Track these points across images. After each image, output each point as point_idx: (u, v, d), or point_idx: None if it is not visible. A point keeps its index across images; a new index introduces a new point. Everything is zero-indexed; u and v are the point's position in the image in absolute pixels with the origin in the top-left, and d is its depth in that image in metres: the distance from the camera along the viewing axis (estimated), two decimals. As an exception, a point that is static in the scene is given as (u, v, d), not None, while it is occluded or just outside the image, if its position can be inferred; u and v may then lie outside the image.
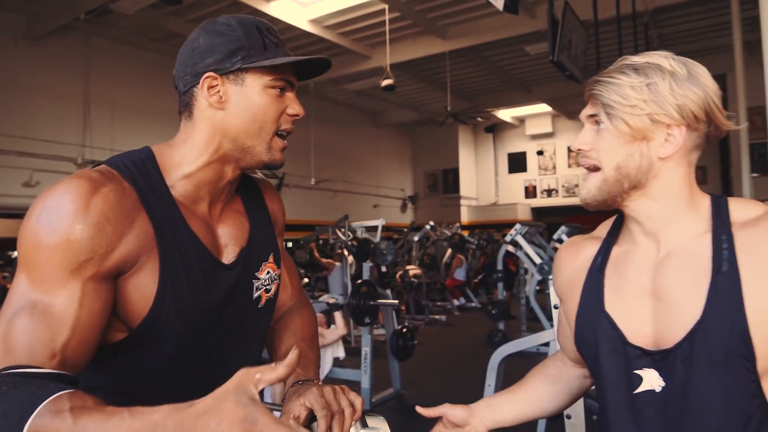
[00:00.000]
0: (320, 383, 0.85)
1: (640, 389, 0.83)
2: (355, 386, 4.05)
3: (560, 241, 6.10)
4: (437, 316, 9.11)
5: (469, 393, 3.25)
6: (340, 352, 4.52)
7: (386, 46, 9.42)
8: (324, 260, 7.87)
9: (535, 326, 6.43)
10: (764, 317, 0.73)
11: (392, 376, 4.93)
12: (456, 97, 13.22)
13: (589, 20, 4.46)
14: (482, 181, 18.11)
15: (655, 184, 0.83)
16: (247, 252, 0.98)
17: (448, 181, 17.26)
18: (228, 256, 0.96)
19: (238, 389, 0.59)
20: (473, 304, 10.46)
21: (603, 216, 0.96)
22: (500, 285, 7.11)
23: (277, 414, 0.76)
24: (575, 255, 0.98)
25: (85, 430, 0.61)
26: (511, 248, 6.35)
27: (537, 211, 16.93)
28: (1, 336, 0.72)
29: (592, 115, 0.85)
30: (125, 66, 9.32)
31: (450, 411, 1.02)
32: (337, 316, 4.55)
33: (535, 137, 16.94)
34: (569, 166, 16.51)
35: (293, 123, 0.94)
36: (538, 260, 5.93)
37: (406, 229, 11.69)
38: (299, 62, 0.90)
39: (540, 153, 16.91)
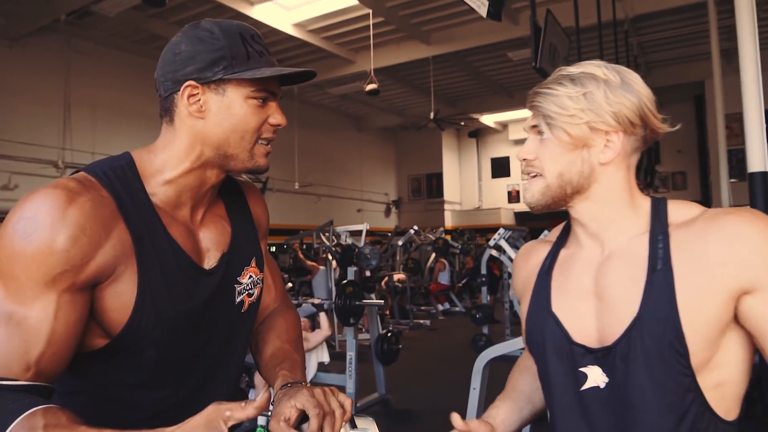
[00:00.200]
0: (308, 385, 0.86)
1: (585, 386, 0.85)
2: (340, 391, 4.00)
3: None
4: (422, 321, 9.10)
5: (454, 397, 3.28)
6: (325, 357, 4.50)
7: (370, 51, 9.44)
8: (309, 263, 7.85)
9: (519, 330, 6.35)
10: (695, 313, 0.75)
11: (377, 380, 4.91)
12: (440, 101, 13.29)
13: (571, 27, 4.52)
14: (466, 186, 18.21)
15: (596, 188, 0.86)
16: (229, 257, 0.97)
17: (432, 186, 17.33)
18: (209, 262, 0.95)
19: (208, 425, 0.64)
20: (458, 309, 10.47)
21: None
22: (484, 289, 7.13)
23: (264, 418, 0.76)
24: (527, 260, 1.01)
25: None
26: (495, 252, 6.38)
27: (520, 216, 17.06)
28: None
29: (534, 126, 0.88)
30: (107, 68, 9.20)
31: (476, 428, 0.97)
32: (322, 316, 4.54)
33: (518, 142, 17.06)
34: (552, 171, 16.66)
35: (275, 132, 0.93)
36: (521, 264, 5.91)
37: (390, 234, 11.69)
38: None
39: (523, 158, 17.07)
